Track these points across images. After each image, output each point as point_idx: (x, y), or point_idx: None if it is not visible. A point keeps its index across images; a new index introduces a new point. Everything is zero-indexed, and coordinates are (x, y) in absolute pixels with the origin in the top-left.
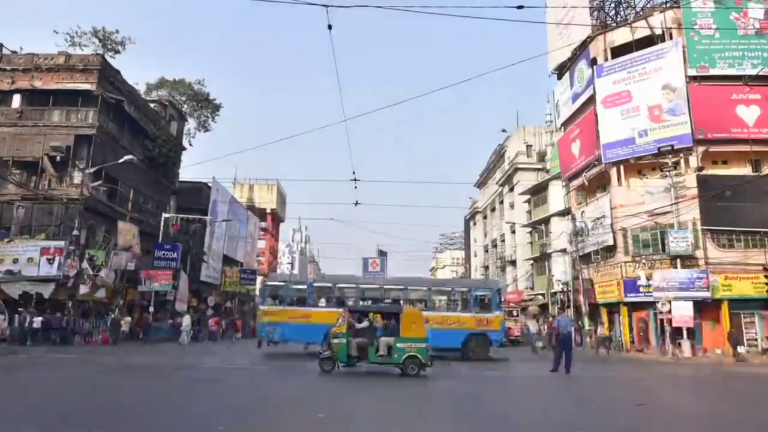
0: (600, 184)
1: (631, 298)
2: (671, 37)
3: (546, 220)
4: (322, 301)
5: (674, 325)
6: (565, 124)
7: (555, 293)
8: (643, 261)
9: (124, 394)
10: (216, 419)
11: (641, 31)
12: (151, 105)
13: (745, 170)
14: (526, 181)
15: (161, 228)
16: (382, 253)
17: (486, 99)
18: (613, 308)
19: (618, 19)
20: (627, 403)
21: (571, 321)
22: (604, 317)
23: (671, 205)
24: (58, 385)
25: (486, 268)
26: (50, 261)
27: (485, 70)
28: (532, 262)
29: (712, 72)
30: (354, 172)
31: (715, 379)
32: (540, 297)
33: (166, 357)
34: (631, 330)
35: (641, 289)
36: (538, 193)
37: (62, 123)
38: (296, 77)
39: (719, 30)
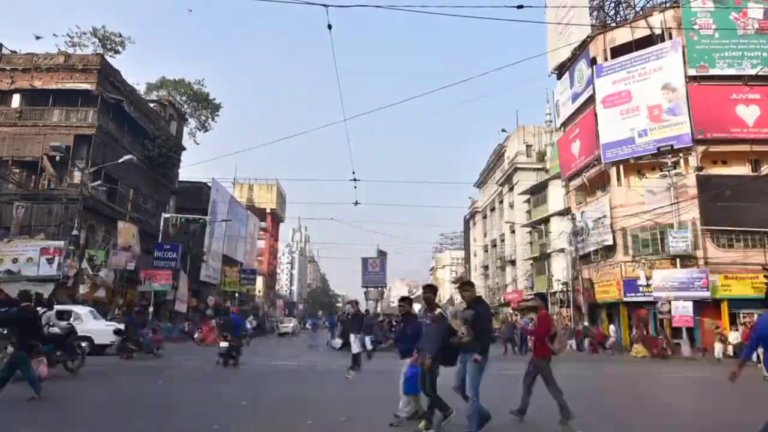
0: (600, 183)
1: (631, 297)
2: (671, 37)
3: (546, 220)
4: None
5: (674, 325)
6: (565, 123)
7: (555, 293)
8: (643, 261)
9: None
10: None
11: (641, 31)
12: (151, 105)
13: (745, 170)
14: (525, 181)
15: (161, 228)
16: (381, 253)
17: (486, 99)
18: (612, 308)
19: (618, 19)
20: None
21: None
22: (603, 316)
23: (671, 204)
24: None
25: (486, 267)
26: (50, 261)
27: (485, 70)
28: (531, 261)
29: (712, 72)
30: (354, 172)
31: None
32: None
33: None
34: (630, 329)
35: (641, 289)
36: (537, 192)
37: (62, 123)
38: (297, 76)
39: (719, 30)
